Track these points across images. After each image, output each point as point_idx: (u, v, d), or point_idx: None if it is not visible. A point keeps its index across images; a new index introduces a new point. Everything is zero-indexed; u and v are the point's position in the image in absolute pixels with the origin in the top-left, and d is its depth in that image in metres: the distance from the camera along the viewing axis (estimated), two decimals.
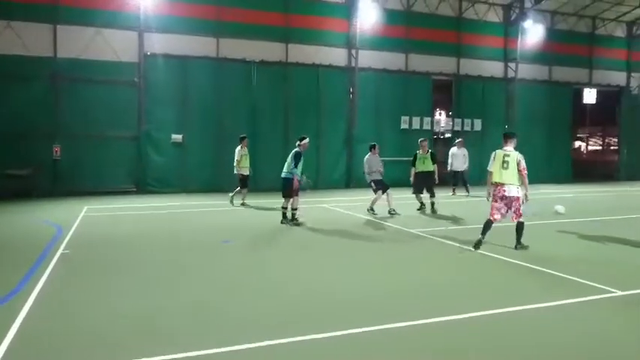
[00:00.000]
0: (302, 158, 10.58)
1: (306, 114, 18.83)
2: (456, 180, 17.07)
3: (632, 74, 24.65)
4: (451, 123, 21.12)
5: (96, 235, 9.29)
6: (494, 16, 21.80)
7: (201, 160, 17.50)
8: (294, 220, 10.61)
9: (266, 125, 18.22)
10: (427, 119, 20.52)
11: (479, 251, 7.97)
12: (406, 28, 20.14)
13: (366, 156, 12.71)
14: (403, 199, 13.43)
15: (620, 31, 24.43)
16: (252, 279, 6.38)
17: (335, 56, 19.30)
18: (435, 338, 4.44)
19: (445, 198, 15.38)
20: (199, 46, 17.41)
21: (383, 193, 12.17)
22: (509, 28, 21.87)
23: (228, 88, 17.77)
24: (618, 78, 24.63)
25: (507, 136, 8.31)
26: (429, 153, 12.90)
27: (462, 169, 17.04)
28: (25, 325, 4.64)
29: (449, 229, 10.27)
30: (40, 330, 4.56)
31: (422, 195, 12.69)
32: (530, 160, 23.65)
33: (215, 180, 17.36)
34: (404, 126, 19.96)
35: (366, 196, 15.78)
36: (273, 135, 18.30)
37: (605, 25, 23.90)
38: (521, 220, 8.11)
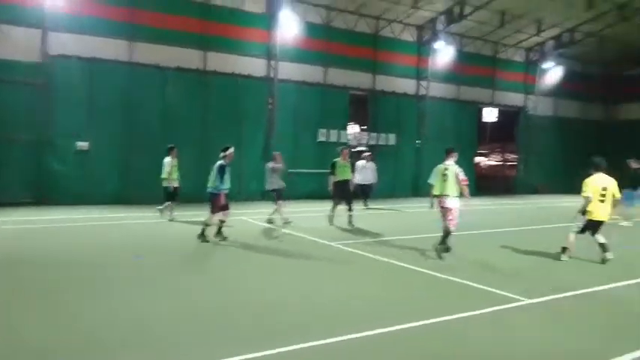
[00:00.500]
0: (227, 170, 9.99)
1: (225, 124, 18.42)
2: (364, 193, 17.43)
3: (529, 96, 26.80)
4: (367, 137, 21.64)
5: None
6: (409, 36, 22.76)
7: (109, 170, 16.51)
8: (220, 235, 10.10)
9: (181, 135, 17.51)
10: (344, 132, 20.92)
11: (400, 263, 8.23)
12: (325, 43, 20.42)
13: (269, 164, 12.88)
14: (322, 210, 13.51)
15: (518, 56, 26.48)
16: (173, 299, 6.04)
17: (254, 66, 19.12)
18: (361, 355, 4.44)
19: (358, 211, 15.71)
20: (110, 48, 16.47)
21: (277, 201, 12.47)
22: (422, 47, 22.93)
23: (140, 95, 16.96)
24: (517, 99, 26.67)
25: (448, 151, 9.19)
26: (348, 161, 13.10)
27: (370, 183, 17.53)
28: None
29: (373, 240, 10.47)
30: None
31: (339, 207, 12.79)
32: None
33: (123, 191, 16.49)
34: (321, 138, 20.18)
35: (285, 208, 15.71)
36: (190, 145, 17.64)
37: (506, 50, 25.80)
38: (451, 229, 8.88)
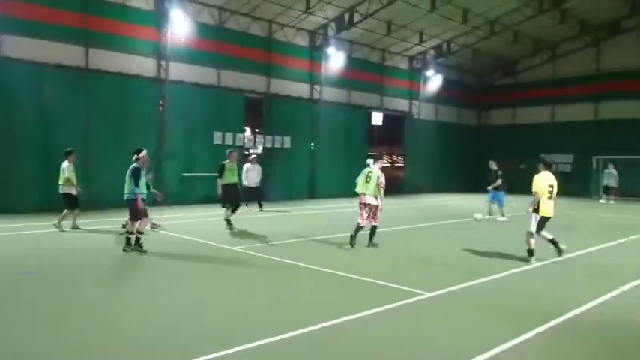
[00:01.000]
0: (142, 173, 9.48)
1: (112, 126, 17.32)
2: (249, 196, 17.33)
3: (413, 101, 28.54)
4: (263, 140, 21.58)
5: None
6: (301, 41, 23.12)
7: None
8: (138, 246, 9.31)
9: (62, 137, 16.11)
10: (240, 135, 20.67)
11: (308, 265, 8.32)
12: (218, 44, 20.03)
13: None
14: (219, 215, 13.23)
15: (404, 64, 28.09)
16: (76, 314, 5.53)
17: (144, 66, 18.20)
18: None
19: (248, 214, 15.64)
20: None
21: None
22: (315, 52, 23.42)
23: (13, 93, 15.35)
24: (403, 104, 28.27)
25: (376, 158, 10.88)
26: (236, 164, 12.99)
27: (257, 185, 17.54)
28: None
29: (276, 243, 10.45)
30: None
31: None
32: (332, 176, 25.76)
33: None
34: (217, 141, 19.74)
35: (181, 213, 15.22)
36: (72, 147, 16.33)
37: (392, 58, 27.22)
38: (375, 224, 10.13)
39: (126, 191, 9.46)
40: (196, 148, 19.30)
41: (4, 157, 15.19)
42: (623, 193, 24.27)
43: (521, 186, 28.32)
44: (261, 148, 21.74)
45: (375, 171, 10.10)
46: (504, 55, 29.99)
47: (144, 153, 9.72)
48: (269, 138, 21.61)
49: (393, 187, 28.95)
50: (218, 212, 13.56)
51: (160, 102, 18.65)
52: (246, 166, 17.50)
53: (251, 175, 17.40)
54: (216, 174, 12.98)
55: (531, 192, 8.98)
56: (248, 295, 6.74)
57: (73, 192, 12.08)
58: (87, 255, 9.24)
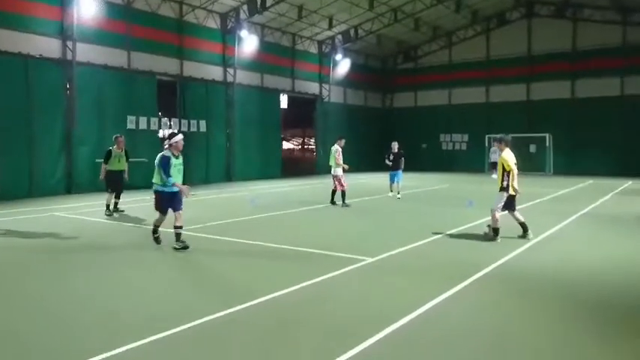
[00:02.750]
0: (172, 162, 8.12)
1: (13, 111, 16.22)
2: None
3: (324, 85, 29.43)
4: (179, 124, 21.27)
5: None
6: (213, 23, 22.93)
7: None
8: (179, 243, 8.19)
9: None
10: (154, 119, 20.24)
11: (249, 241, 8.74)
12: (127, 25, 19.35)
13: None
14: (137, 200, 13.14)
15: (313, 48, 28.80)
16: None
17: (47, 47, 17.17)
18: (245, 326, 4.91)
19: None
20: None
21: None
22: (227, 35, 23.35)
23: None
24: (313, 87, 29.06)
25: (340, 137, 14.81)
26: (124, 151, 12.85)
27: None
28: None
29: (203, 226, 10.70)
30: None
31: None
32: (245, 158, 26.07)
33: None
34: (130, 126, 19.18)
35: (94, 201, 14.92)
36: None
37: (302, 42, 27.81)
38: (344, 189, 13.89)
39: (155, 180, 8.34)
40: (109, 133, 18.52)
41: None
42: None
43: (422, 164, 30.95)
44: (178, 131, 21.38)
45: (333, 148, 14.25)
46: (406, 41, 31.82)
47: (177, 138, 8.34)
48: (184, 122, 21.35)
49: (306, 168, 29.93)
50: (138, 197, 13.42)
51: (67, 85, 17.72)
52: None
53: None
54: (102, 159, 12.71)
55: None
56: (205, 272, 7.09)
57: None
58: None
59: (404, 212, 13.18)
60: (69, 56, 17.62)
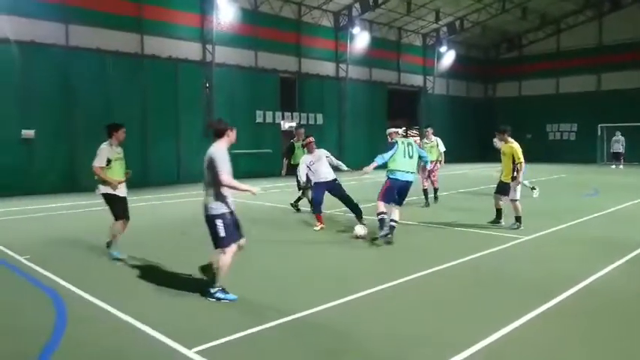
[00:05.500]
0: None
1: (163, 108, 18.58)
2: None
3: (428, 77, 29.97)
4: (298, 117, 22.93)
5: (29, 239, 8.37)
6: (327, 22, 24.32)
7: (53, 158, 16.02)
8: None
9: (121, 119, 17.27)
10: (278, 113, 22.02)
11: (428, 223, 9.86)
12: (254, 27, 21.20)
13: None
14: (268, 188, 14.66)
15: (418, 41, 29.41)
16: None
17: (190, 50, 19.37)
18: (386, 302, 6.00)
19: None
20: (45, 32, 15.79)
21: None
22: (339, 33, 24.65)
23: (79, 79, 16.48)
24: (418, 80, 29.70)
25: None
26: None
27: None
28: None
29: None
30: None
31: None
32: (355, 149, 27.07)
33: (69, 179, 16.15)
34: (259, 120, 21.13)
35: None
36: (130, 130, 17.57)
37: (408, 36, 28.52)
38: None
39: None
40: (240, 126, 20.51)
41: (74, 140, 16.33)
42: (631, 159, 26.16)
43: (527, 154, 29.79)
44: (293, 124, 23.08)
45: (439, 140, 13.35)
46: (511, 30, 31.44)
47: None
48: (303, 115, 22.97)
49: None
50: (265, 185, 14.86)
51: (207, 84, 19.87)
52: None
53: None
54: (284, 153, 12.68)
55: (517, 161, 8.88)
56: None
57: None
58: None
59: (536, 199, 13.64)
60: (208, 58, 19.73)
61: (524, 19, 28.87)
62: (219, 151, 5.32)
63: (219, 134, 5.46)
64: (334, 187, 9.63)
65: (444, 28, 28.97)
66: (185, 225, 9.75)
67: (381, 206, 8.14)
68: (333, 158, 10.01)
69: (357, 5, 23.90)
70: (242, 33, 20.78)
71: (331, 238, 8.72)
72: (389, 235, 7.96)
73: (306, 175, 9.92)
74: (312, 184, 9.90)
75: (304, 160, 9.88)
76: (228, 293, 5.33)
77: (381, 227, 8.02)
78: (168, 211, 12.39)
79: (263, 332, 4.45)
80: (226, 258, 5.29)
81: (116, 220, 7.27)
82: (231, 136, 5.51)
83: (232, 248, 5.35)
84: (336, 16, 24.52)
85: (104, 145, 7.24)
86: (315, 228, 9.36)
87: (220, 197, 5.31)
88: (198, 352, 3.98)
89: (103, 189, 7.22)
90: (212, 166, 5.23)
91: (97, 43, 16.77)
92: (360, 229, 8.50)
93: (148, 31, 18.13)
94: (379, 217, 8.08)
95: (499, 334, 4.33)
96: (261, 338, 4.35)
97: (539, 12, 29.26)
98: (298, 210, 11.61)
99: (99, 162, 7.11)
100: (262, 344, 4.26)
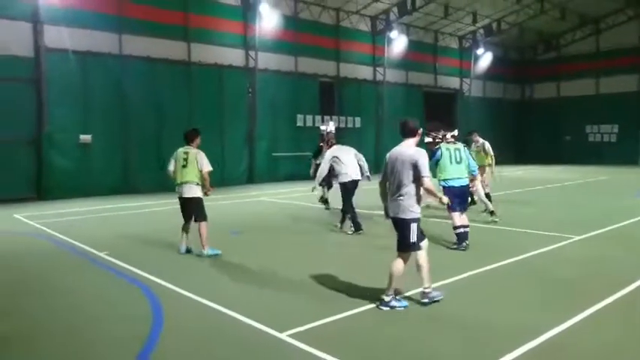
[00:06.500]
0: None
1: (209, 113, 19.18)
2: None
3: (464, 79, 29.96)
4: (337, 121, 23.31)
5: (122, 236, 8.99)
6: (364, 26, 24.67)
7: (109, 162, 16.85)
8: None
9: (169, 125, 17.90)
10: (318, 117, 22.48)
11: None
12: (295, 33, 21.72)
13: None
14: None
15: (454, 44, 29.46)
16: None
17: (233, 57, 20.00)
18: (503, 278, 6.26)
19: None
20: (99, 41, 16.62)
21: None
22: (376, 37, 24.97)
23: (132, 87, 17.27)
24: (455, 82, 29.74)
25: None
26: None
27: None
28: None
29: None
30: None
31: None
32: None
33: (124, 181, 16.96)
34: (299, 124, 21.64)
35: (282, 189, 17.13)
36: (177, 136, 18.26)
37: (444, 39, 28.63)
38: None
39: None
40: (281, 130, 21.18)
41: (128, 144, 17.17)
42: None
43: (566, 156, 30.03)
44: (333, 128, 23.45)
45: (487, 145, 12.40)
46: (549, 31, 31.14)
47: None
48: (342, 119, 23.36)
49: None
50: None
51: (249, 89, 20.47)
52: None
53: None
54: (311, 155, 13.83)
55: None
56: None
57: None
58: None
59: (584, 202, 13.66)
60: (251, 64, 20.34)
61: (562, 19, 28.58)
62: (421, 152, 5.09)
63: (411, 133, 5.24)
64: (355, 187, 9.56)
65: (481, 30, 28.95)
66: (234, 225, 10.23)
67: (457, 218, 7.81)
68: (363, 159, 10.04)
69: (395, 9, 24.18)
70: (283, 39, 21.31)
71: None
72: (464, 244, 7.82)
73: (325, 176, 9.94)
74: (339, 182, 9.67)
75: (329, 154, 9.77)
76: (400, 300, 5.15)
77: (460, 243, 7.79)
78: (227, 212, 12.92)
79: (355, 316, 4.89)
80: (422, 259, 5.14)
81: (205, 220, 7.60)
82: (419, 135, 5.29)
83: (423, 254, 5.17)
84: (373, 20, 24.85)
85: (199, 150, 7.65)
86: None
87: (419, 201, 5.08)
88: (290, 335, 4.39)
89: (199, 192, 7.55)
90: (417, 167, 4.96)
91: (147, 51, 17.54)
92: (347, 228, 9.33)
93: (195, 39, 18.84)
94: (457, 230, 7.83)
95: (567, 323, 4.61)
96: (355, 321, 4.79)
97: (578, 12, 28.92)
98: (328, 207, 12.04)
99: (209, 166, 7.55)
100: (352, 328, 4.66)
